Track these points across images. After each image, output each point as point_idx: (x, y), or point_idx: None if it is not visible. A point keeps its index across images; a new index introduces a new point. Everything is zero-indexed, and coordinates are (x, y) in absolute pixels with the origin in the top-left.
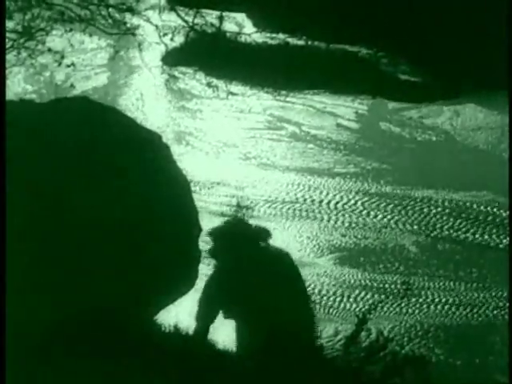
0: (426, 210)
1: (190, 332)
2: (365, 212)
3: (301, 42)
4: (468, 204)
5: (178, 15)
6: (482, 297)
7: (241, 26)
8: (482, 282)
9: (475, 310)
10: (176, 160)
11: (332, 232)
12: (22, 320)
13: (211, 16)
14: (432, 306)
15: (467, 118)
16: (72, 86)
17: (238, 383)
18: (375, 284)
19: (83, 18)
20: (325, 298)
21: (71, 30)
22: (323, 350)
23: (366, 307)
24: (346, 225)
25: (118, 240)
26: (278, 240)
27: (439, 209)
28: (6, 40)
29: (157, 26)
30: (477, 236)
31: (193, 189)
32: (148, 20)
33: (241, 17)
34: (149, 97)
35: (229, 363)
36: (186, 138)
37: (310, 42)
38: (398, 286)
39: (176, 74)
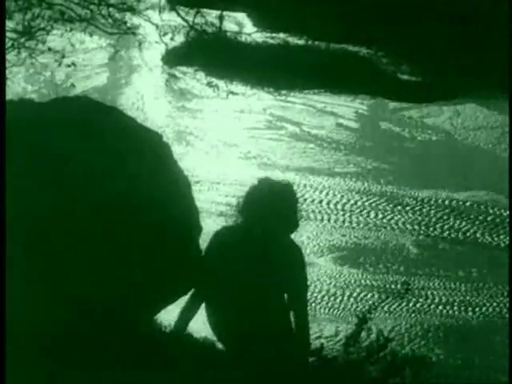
0: (426, 209)
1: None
2: (365, 212)
3: (301, 42)
4: (468, 204)
5: (179, 15)
6: (482, 297)
7: (241, 25)
8: (482, 282)
9: (475, 310)
10: (176, 159)
11: (332, 232)
12: (22, 320)
13: (211, 15)
14: (432, 306)
15: (467, 117)
16: (72, 85)
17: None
18: (375, 284)
19: (84, 17)
20: (325, 297)
21: (71, 29)
22: (323, 350)
23: (367, 307)
24: (347, 224)
25: (117, 240)
26: None
27: (439, 208)
28: (7, 40)
29: (157, 26)
30: (477, 236)
31: (193, 188)
32: (148, 19)
33: (241, 16)
34: (149, 96)
35: (227, 364)
36: (186, 137)
37: (310, 42)
38: (399, 286)
39: (176, 73)
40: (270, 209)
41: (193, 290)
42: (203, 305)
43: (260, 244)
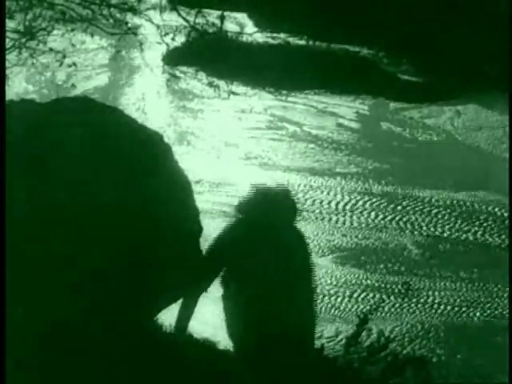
0: (426, 209)
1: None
2: (366, 212)
3: (302, 42)
4: (469, 204)
5: (180, 15)
6: (482, 297)
7: (242, 25)
8: (482, 282)
9: (476, 310)
10: (177, 160)
11: (333, 232)
12: (21, 320)
13: (212, 16)
14: (433, 306)
15: (468, 117)
16: (73, 85)
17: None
18: (376, 284)
19: (85, 17)
20: (326, 298)
21: (73, 29)
22: (324, 350)
23: (367, 307)
24: (347, 225)
25: (118, 240)
26: None
27: (440, 209)
28: (8, 40)
29: (158, 26)
30: (477, 236)
31: (194, 189)
32: (149, 20)
33: (242, 16)
34: (150, 96)
35: (226, 364)
36: (187, 137)
37: (310, 42)
38: (399, 286)
39: (177, 73)
40: (272, 203)
41: (188, 290)
42: (203, 305)
43: (271, 234)
